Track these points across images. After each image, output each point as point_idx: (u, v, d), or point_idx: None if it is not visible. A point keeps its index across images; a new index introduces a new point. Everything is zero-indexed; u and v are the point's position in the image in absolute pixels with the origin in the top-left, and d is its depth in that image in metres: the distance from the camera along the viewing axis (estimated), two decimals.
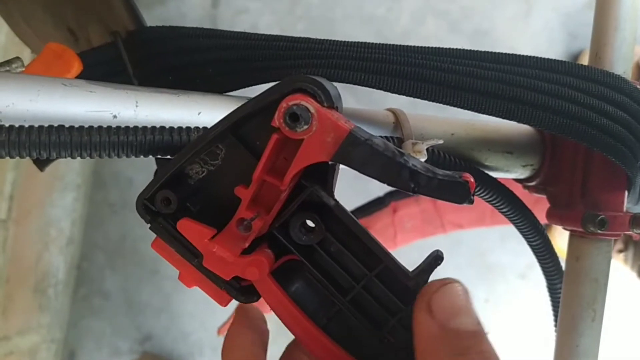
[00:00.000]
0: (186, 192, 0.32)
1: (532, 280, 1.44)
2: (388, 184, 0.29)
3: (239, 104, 0.31)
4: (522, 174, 0.45)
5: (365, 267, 0.32)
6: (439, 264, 0.30)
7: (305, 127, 0.29)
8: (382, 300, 0.32)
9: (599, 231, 0.41)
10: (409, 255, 0.81)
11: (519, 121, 0.37)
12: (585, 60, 0.46)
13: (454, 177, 0.28)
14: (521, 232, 0.45)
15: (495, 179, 0.42)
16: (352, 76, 0.37)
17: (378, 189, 0.88)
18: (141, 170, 1.68)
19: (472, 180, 0.28)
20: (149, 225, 0.33)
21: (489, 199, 0.42)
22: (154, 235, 0.33)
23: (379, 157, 0.28)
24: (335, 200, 0.31)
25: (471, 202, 0.28)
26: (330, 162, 0.30)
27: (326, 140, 0.29)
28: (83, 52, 0.44)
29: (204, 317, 1.63)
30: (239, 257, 0.31)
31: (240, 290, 0.32)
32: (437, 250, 0.30)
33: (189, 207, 0.32)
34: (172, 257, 0.32)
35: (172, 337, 1.66)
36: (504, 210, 0.44)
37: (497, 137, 0.43)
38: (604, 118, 0.37)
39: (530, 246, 0.46)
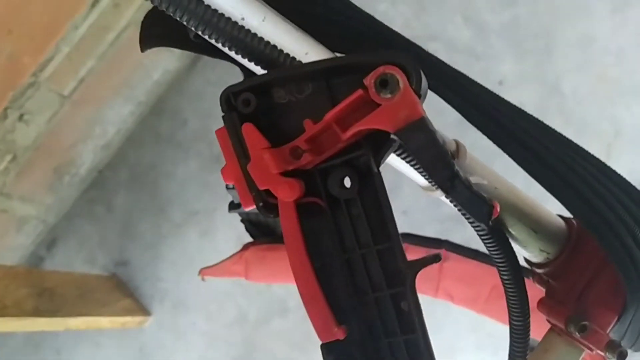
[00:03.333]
0: (264, 105, 0.36)
1: None
2: (428, 176, 0.32)
3: None
4: (535, 257, 0.48)
5: (373, 239, 0.35)
6: (435, 262, 0.33)
7: (389, 95, 0.32)
8: (372, 273, 0.35)
9: (577, 334, 0.43)
10: None
11: (569, 209, 0.41)
12: None
13: (483, 197, 0.32)
14: (509, 304, 0.47)
15: (511, 245, 0.45)
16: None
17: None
18: (198, 117, 1.74)
19: (498, 208, 0.32)
20: (223, 114, 0.37)
21: (497, 257, 0.45)
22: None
23: (435, 149, 0.32)
24: (379, 171, 0.35)
25: (487, 225, 0.32)
26: (391, 136, 0.33)
27: (399, 114, 0.32)
28: None
29: (182, 272, 1.67)
30: (279, 174, 0.35)
31: (265, 202, 0.36)
32: (439, 254, 0.34)
33: (259, 118, 0.36)
34: (226, 149, 0.36)
35: (144, 275, 1.69)
36: (505, 277, 0.46)
37: (531, 213, 0.46)
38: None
39: (511, 322, 0.48)
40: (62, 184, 1.72)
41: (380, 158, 0.35)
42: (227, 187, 0.67)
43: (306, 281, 0.34)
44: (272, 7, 0.40)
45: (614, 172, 0.43)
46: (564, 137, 0.43)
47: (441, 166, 0.32)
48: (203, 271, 0.82)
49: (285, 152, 0.35)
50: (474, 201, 0.31)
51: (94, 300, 1.48)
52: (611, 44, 1.51)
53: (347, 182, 0.36)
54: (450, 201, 0.43)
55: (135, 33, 1.61)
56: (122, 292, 1.64)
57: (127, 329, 1.60)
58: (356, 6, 0.45)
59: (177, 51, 1.71)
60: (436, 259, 0.33)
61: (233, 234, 1.63)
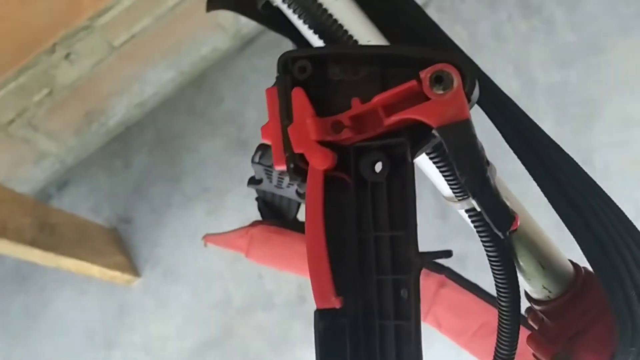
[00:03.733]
0: (317, 77, 0.38)
1: None
2: (459, 175, 0.33)
3: None
4: (537, 292, 0.49)
5: (390, 225, 0.36)
6: (446, 257, 0.34)
7: (441, 91, 0.34)
8: (380, 256, 0.36)
9: None
10: None
11: (584, 251, 0.42)
12: None
13: (508, 208, 0.32)
14: (500, 330, 0.48)
15: (515, 271, 0.46)
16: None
17: None
18: (235, 99, 1.76)
19: (518, 221, 0.33)
20: (277, 75, 0.38)
21: (499, 278, 0.45)
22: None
23: (473, 152, 0.33)
24: (413, 164, 0.36)
25: (505, 235, 0.33)
26: (433, 131, 0.34)
27: (446, 111, 0.33)
28: None
29: (180, 244, 1.68)
30: (317, 142, 0.36)
31: (296, 165, 0.37)
32: (450, 250, 0.35)
33: (310, 87, 0.38)
34: (272, 107, 0.38)
35: (143, 237, 1.71)
36: (503, 301, 0.47)
37: (543, 247, 0.46)
38: None
39: (497, 350, 0.48)
40: (89, 130, 1.75)
41: (416, 150, 0.36)
42: (253, 161, 0.69)
43: (316, 245, 0.35)
44: None
45: (636, 230, 0.44)
46: (596, 184, 0.44)
47: (475, 168, 0.33)
48: (207, 237, 0.83)
49: (328, 124, 0.36)
50: (498, 208, 0.32)
51: (90, 247, 1.49)
52: None
53: (379, 166, 0.37)
54: (469, 213, 0.44)
55: (195, 6, 1.64)
56: (118, 248, 1.66)
57: (113, 284, 1.62)
58: (425, 13, 0.46)
59: (230, 31, 1.74)
60: (447, 254, 0.34)
61: (239, 218, 1.63)
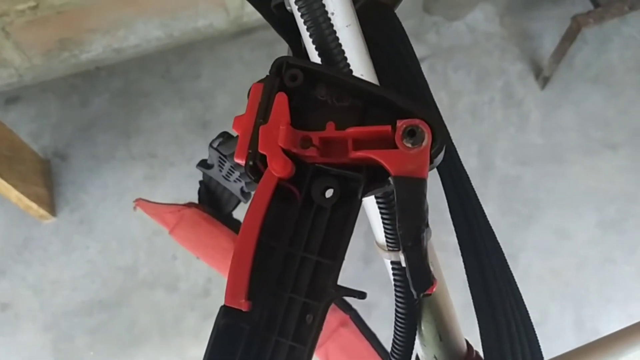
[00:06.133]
0: (304, 90, 0.39)
1: None
2: (398, 226, 0.35)
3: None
4: (427, 358, 0.50)
5: (320, 251, 0.37)
6: (360, 297, 0.35)
7: (409, 145, 0.35)
8: (300, 276, 0.37)
9: None
10: None
11: (482, 338, 0.44)
12: None
13: (430, 272, 0.34)
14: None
15: (415, 332, 0.47)
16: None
17: None
18: (213, 80, 1.75)
19: (434, 289, 0.34)
20: (268, 74, 0.39)
21: (398, 335, 0.47)
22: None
23: (418, 210, 0.34)
24: (361, 201, 0.37)
25: (418, 296, 0.34)
26: (389, 178, 0.36)
27: (408, 165, 0.35)
28: None
29: (107, 198, 1.64)
30: (281, 149, 0.37)
31: (255, 164, 0.37)
32: (365, 292, 0.36)
33: (293, 97, 0.39)
34: (252, 102, 0.38)
35: (73, 179, 1.66)
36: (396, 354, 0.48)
37: (447, 320, 0.48)
38: None
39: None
40: (59, 56, 1.70)
41: (368, 190, 0.37)
42: (211, 145, 0.69)
43: (246, 243, 0.36)
44: (359, 21, 0.43)
45: (535, 336, 0.46)
46: (515, 282, 0.47)
47: (414, 226, 0.34)
48: (139, 202, 0.82)
49: (298, 137, 0.37)
50: (421, 269, 0.34)
51: (17, 170, 1.44)
52: (581, 250, 1.59)
53: (329, 192, 0.38)
54: (393, 266, 0.45)
55: None
56: (44, 180, 1.61)
57: (26, 215, 1.56)
58: (421, 70, 0.48)
59: (232, 15, 1.74)
60: (361, 295, 0.35)
61: (174, 194, 1.62)
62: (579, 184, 1.65)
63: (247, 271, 0.35)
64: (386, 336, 0.85)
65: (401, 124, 0.36)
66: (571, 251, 1.59)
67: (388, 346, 0.83)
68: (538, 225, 1.62)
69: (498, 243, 0.47)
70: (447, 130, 0.36)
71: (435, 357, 0.50)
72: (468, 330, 0.53)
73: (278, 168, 0.36)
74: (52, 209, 1.61)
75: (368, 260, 1.52)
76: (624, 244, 1.59)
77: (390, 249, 0.44)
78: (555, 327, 1.52)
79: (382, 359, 0.76)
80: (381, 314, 1.38)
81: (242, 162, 0.38)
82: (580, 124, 1.72)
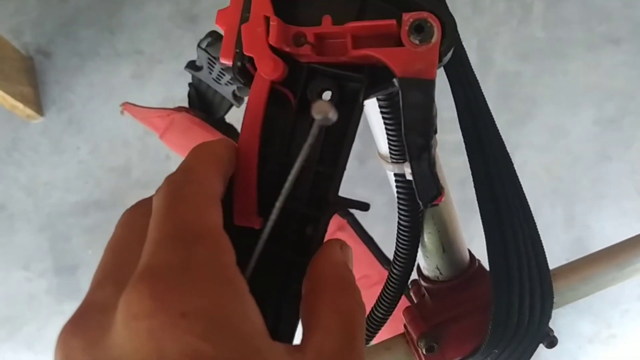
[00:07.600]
0: None
1: None
2: (404, 134, 0.32)
3: None
4: (428, 270, 0.49)
5: (319, 159, 0.34)
6: (363, 209, 0.33)
7: (417, 42, 0.31)
8: (299, 187, 0.34)
9: (423, 350, 0.45)
10: None
11: (488, 249, 0.42)
12: None
13: (438, 181, 0.32)
14: (385, 292, 0.48)
15: (418, 244, 0.46)
16: None
17: None
18: None
19: (443, 198, 0.32)
20: None
21: (402, 245, 0.45)
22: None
23: (426, 115, 0.31)
24: (363, 105, 0.34)
25: (425, 206, 0.32)
26: (394, 80, 0.32)
27: (415, 64, 0.31)
28: None
29: (95, 97, 1.59)
30: (270, 49, 0.33)
31: (243, 65, 0.34)
32: (368, 203, 0.33)
33: None
34: None
35: (58, 77, 1.60)
36: (397, 265, 0.47)
37: (451, 232, 0.46)
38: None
39: (376, 308, 0.48)
40: None
41: (370, 92, 0.34)
42: (199, 46, 0.64)
43: (248, 159, 0.33)
44: None
45: (541, 244, 0.44)
46: (523, 191, 0.44)
47: (422, 132, 0.31)
48: (126, 105, 0.78)
49: (290, 33, 0.33)
50: (429, 179, 0.31)
51: None
52: (576, 147, 1.57)
53: (327, 95, 0.34)
54: (396, 178, 0.42)
55: None
56: (28, 79, 1.55)
57: (12, 115, 1.52)
58: None
59: None
60: (364, 206, 0.32)
61: (163, 92, 1.57)
62: (579, 80, 1.61)
63: (254, 186, 0.33)
64: (380, 233, 0.84)
65: (408, 17, 0.31)
66: (566, 148, 1.57)
67: (384, 248, 0.83)
68: (534, 121, 1.59)
69: (505, 149, 0.44)
70: (457, 28, 0.32)
71: (437, 267, 0.48)
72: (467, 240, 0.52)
73: (268, 70, 0.32)
74: (39, 108, 1.56)
75: (363, 159, 1.50)
76: (620, 141, 1.57)
77: (395, 160, 0.41)
78: (545, 223, 1.54)
79: (380, 263, 0.75)
80: (375, 212, 1.38)
81: (229, 63, 0.34)
82: (584, 17, 1.65)
